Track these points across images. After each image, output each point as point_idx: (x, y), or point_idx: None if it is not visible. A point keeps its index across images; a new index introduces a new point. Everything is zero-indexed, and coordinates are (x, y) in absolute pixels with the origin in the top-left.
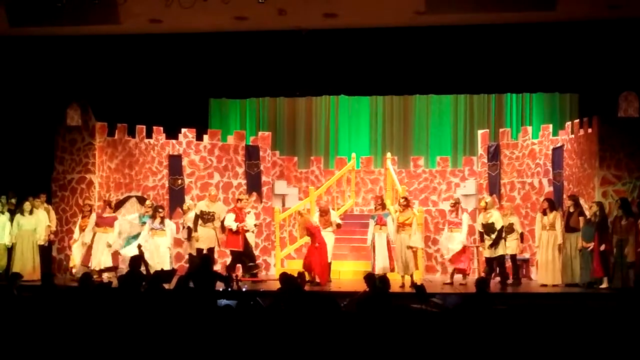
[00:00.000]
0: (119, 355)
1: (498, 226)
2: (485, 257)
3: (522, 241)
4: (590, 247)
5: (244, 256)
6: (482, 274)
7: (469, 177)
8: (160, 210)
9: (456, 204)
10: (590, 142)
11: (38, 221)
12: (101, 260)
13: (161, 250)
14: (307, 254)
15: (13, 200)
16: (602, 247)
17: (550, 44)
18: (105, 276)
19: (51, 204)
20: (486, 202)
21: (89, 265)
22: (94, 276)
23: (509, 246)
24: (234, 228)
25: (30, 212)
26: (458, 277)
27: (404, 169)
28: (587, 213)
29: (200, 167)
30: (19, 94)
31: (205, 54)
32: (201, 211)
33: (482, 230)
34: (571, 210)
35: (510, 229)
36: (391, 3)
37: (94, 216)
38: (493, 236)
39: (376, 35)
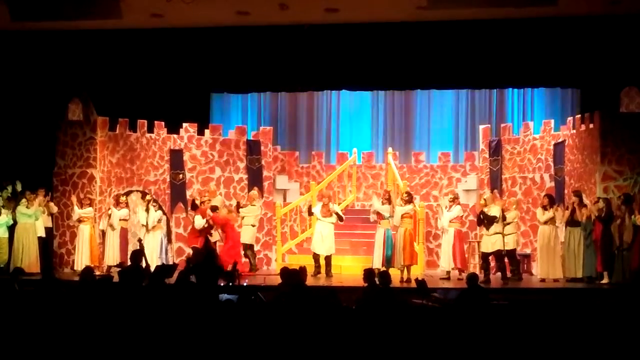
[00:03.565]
0: (121, 350)
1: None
2: (482, 252)
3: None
4: None
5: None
6: (482, 270)
7: (471, 172)
8: (154, 205)
9: (455, 199)
10: (592, 138)
11: (38, 214)
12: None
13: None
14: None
15: (9, 188)
16: None
17: (552, 39)
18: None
19: (53, 198)
20: (485, 199)
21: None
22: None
23: (507, 241)
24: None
25: (28, 206)
26: (455, 272)
27: (405, 164)
28: (590, 208)
29: (202, 162)
30: (20, 89)
31: (207, 49)
32: None
33: (482, 218)
34: (575, 205)
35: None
36: None
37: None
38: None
39: (378, 30)
